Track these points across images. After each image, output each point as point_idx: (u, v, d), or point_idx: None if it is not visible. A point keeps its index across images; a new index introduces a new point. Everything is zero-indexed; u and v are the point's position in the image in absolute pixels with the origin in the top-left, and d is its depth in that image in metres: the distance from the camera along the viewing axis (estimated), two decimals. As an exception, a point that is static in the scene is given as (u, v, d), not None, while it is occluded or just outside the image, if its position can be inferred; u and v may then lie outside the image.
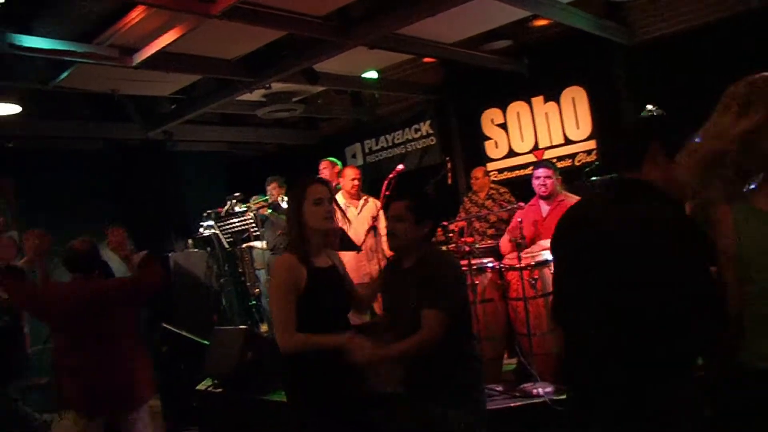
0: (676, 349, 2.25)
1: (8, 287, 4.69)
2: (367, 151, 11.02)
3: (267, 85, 8.03)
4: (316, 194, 3.31)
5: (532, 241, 5.85)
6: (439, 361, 3.31)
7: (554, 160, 8.49)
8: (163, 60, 6.53)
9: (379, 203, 6.52)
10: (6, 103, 7.38)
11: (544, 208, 6.03)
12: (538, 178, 5.98)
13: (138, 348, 4.74)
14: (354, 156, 11.11)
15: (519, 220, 5.80)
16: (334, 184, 7.28)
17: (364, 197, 7.05)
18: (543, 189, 5.94)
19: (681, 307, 2.22)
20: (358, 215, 6.89)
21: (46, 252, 4.71)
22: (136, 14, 5.56)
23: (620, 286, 2.30)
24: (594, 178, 6.48)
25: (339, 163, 7.51)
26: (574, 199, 5.95)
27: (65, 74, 6.77)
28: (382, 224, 6.94)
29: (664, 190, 2.37)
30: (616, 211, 2.42)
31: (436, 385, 3.35)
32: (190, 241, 9.46)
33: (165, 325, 6.84)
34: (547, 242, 5.66)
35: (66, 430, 4.42)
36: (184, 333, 6.80)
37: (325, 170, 7.35)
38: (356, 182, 6.96)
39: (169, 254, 9.00)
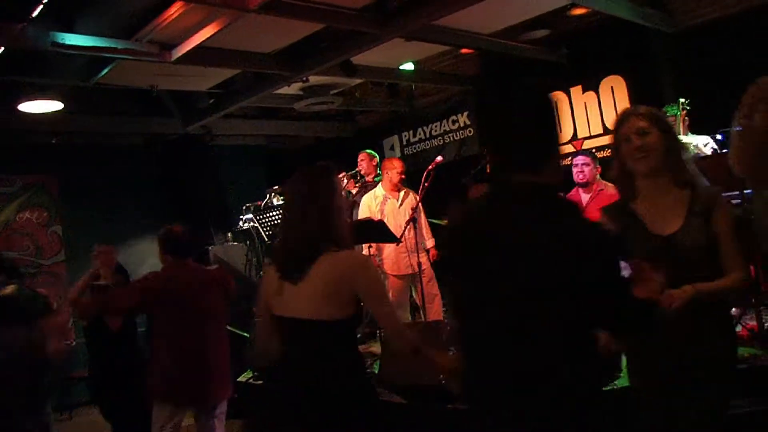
0: (577, 370, 2.02)
1: (108, 301, 4.74)
2: (404, 143, 11.00)
3: (304, 79, 8.06)
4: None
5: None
6: None
7: (593, 150, 8.42)
8: (202, 55, 6.59)
9: (418, 196, 6.52)
10: (48, 99, 7.49)
11: (584, 197, 6.00)
12: (576, 165, 5.97)
13: (227, 341, 4.83)
14: (392, 148, 11.11)
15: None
16: (372, 175, 7.29)
17: (405, 190, 7.06)
18: (581, 176, 5.92)
19: (584, 322, 2.02)
20: (399, 207, 6.90)
21: (113, 265, 4.81)
22: (175, 10, 5.60)
23: (516, 301, 2.02)
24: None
25: (376, 155, 7.52)
26: (613, 188, 5.88)
27: (106, 71, 6.86)
28: (422, 217, 6.96)
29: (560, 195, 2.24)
30: (515, 220, 2.08)
31: None
32: (229, 234, 9.53)
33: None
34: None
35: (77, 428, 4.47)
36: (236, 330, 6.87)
37: (362, 162, 7.38)
38: (402, 175, 6.97)
39: (209, 248, 9.08)
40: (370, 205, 6.99)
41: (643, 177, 2.80)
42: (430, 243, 7.14)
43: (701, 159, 5.73)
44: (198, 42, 6.10)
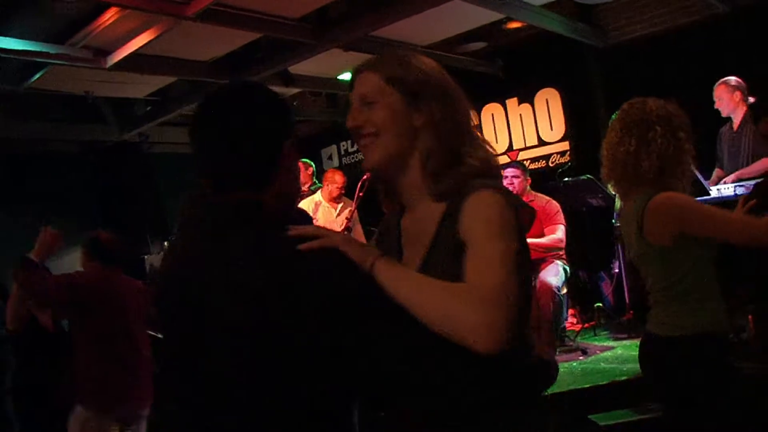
0: None
1: (30, 280, 4.49)
2: (343, 152, 11.04)
3: (242, 87, 8.04)
4: None
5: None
6: None
7: (528, 162, 8.60)
8: (138, 62, 6.55)
9: (353, 205, 6.57)
10: (-22, 105, 7.36)
11: (515, 208, 6.11)
12: (506, 177, 6.07)
13: (149, 348, 4.74)
14: (330, 158, 11.14)
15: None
16: (308, 185, 7.30)
17: (343, 202, 7.10)
18: (511, 188, 6.03)
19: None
20: (336, 217, 6.94)
21: (52, 254, 4.66)
22: (110, 16, 5.57)
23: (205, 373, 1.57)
24: (567, 179, 6.58)
25: (312, 164, 7.53)
26: (543, 199, 6.04)
27: (38, 75, 6.75)
28: (358, 226, 7.00)
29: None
30: (210, 254, 1.59)
31: None
32: (166, 243, 9.43)
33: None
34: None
35: None
36: (161, 336, 6.79)
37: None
38: (342, 189, 7.01)
39: (146, 257, 8.98)
40: (306, 210, 7.02)
41: None
42: None
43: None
44: (134, 49, 6.06)
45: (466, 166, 1.70)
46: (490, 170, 1.74)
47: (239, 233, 1.56)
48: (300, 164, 7.40)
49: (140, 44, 5.99)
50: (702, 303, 2.52)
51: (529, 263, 1.71)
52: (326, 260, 1.50)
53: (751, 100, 5.67)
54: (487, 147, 1.81)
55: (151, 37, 5.85)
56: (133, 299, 4.58)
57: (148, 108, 9.19)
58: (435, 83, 1.74)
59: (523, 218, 1.64)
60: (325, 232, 1.55)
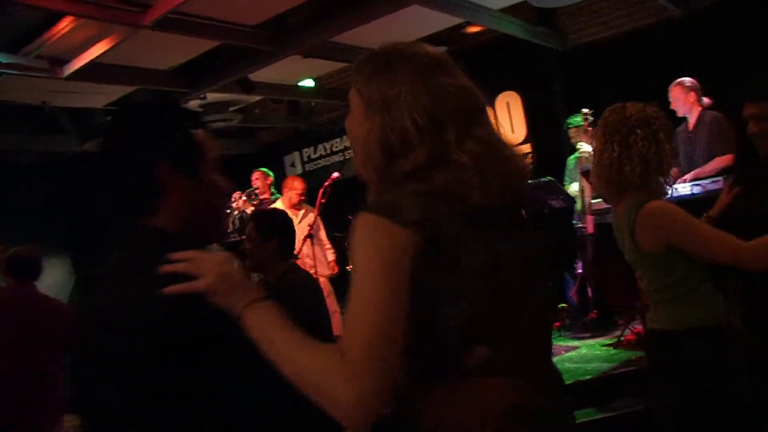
0: None
1: None
2: (305, 159, 11.00)
3: (202, 95, 8.00)
4: None
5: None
6: None
7: (490, 165, 8.63)
8: (95, 71, 6.47)
9: (315, 211, 6.56)
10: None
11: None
12: None
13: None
14: (293, 165, 11.10)
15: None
16: (267, 194, 7.28)
17: (305, 209, 7.08)
18: None
19: None
20: (298, 224, 6.91)
21: None
22: (65, 24, 5.50)
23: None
24: (528, 181, 6.62)
25: (271, 173, 7.50)
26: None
27: (-7, 86, 6.65)
28: (322, 232, 6.98)
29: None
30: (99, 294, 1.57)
31: None
32: (128, 253, 9.33)
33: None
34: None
35: None
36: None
37: (257, 180, 7.36)
38: (302, 196, 6.98)
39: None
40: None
41: None
42: (331, 256, 7.20)
43: (587, 171, 5.98)
44: (91, 58, 5.99)
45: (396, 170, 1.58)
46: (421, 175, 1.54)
47: (125, 264, 1.54)
48: (259, 174, 7.43)
49: (97, 53, 5.92)
50: (697, 302, 2.58)
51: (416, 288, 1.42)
52: (179, 305, 1.40)
53: (706, 101, 5.76)
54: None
55: (108, 46, 5.79)
56: (45, 319, 4.34)
57: (108, 118, 9.08)
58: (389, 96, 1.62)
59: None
60: (201, 270, 1.44)
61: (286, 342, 1.38)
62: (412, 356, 1.38)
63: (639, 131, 2.62)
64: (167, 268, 1.42)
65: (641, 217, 2.57)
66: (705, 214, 3.05)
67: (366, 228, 1.42)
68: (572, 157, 6.95)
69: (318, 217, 6.57)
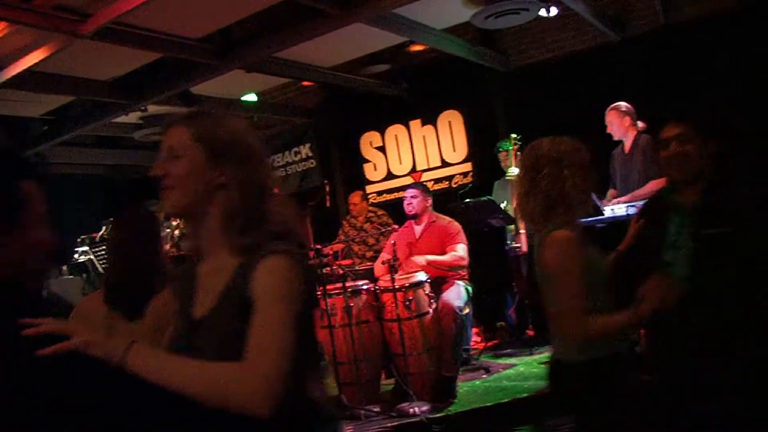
0: None
1: None
2: (248, 173, 10.92)
3: (143, 108, 7.89)
4: None
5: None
6: None
7: (431, 183, 8.72)
8: (32, 80, 6.31)
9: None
10: None
11: (417, 229, 6.17)
12: (406, 198, 6.15)
13: None
14: (235, 179, 11.00)
15: (393, 242, 5.92)
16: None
17: None
18: (410, 208, 6.09)
19: None
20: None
21: None
22: (-1, 30, 5.36)
23: None
24: (467, 200, 6.69)
25: None
26: (444, 220, 6.12)
27: None
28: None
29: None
30: None
31: None
32: (64, 267, 9.13)
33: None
34: (420, 258, 5.81)
35: None
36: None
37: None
38: None
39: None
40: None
41: None
42: None
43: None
44: (26, 66, 5.82)
45: (266, 227, 1.77)
46: (289, 232, 1.80)
47: None
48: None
49: (33, 62, 5.75)
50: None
51: (312, 320, 1.82)
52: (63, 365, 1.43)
53: (641, 124, 5.90)
54: (287, 208, 1.89)
55: (46, 54, 5.64)
56: None
57: (45, 127, 8.89)
58: (241, 145, 1.81)
59: (312, 276, 1.79)
60: (70, 328, 1.50)
61: (179, 368, 1.57)
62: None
63: (546, 169, 2.66)
64: (30, 331, 1.42)
65: (544, 244, 2.65)
66: (615, 250, 3.10)
67: (285, 269, 1.70)
68: (498, 181, 7.06)
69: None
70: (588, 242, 2.67)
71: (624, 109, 5.88)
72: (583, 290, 2.52)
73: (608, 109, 5.95)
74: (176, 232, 7.24)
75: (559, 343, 2.75)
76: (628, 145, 5.95)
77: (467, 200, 6.70)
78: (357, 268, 6.67)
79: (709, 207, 2.79)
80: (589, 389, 2.58)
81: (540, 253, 2.67)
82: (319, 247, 6.11)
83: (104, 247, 7.45)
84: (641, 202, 5.25)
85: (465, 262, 5.95)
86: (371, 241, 7.71)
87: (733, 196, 2.81)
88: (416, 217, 6.11)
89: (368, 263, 6.96)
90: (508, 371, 5.98)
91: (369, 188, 9.43)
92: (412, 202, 6.06)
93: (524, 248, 6.47)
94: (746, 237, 2.68)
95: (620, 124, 5.89)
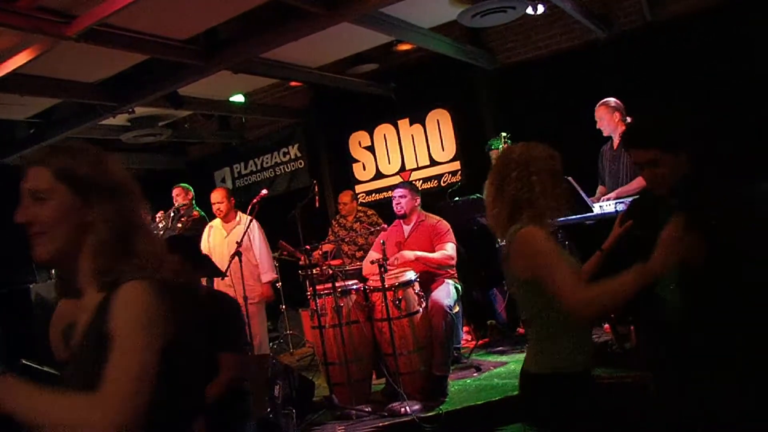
0: None
1: None
2: (236, 175, 10.94)
3: (130, 110, 7.85)
4: None
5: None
6: None
7: (420, 182, 8.72)
8: (17, 82, 6.28)
9: (245, 230, 6.44)
10: None
11: (406, 228, 6.15)
12: (394, 198, 6.14)
13: None
14: (223, 180, 11.01)
15: (382, 241, 5.90)
16: (192, 209, 7.15)
17: (237, 220, 6.89)
18: (398, 208, 6.08)
19: None
20: (226, 238, 6.76)
21: None
22: (-18, 33, 5.31)
23: None
24: (456, 199, 6.68)
25: (191, 189, 7.36)
26: (433, 219, 6.11)
27: None
28: (253, 250, 6.79)
29: None
30: None
31: None
32: (53, 271, 9.08)
33: (25, 362, 6.52)
34: (410, 254, 5.79)
35: None
36: (46, 369, 6.50)
37: (178, 197, 7.22)
38: (217, 206, 6.80)
39: (31, 286, 8.61)
40: (204, 238, 6.87)
41: None
42: (266, 277, 6.88)
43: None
44: (11, 68, 5.77)
45: (133, 261, 1.69)
46: (158, 267, 1.71)
47: None
48: (179, 189, 7.30)
49: (18, 64, 5.71)
50: (555, 339, 2.56)
51: (192, 348, 1.75)
52: None
53: (629, 121, 5.91)
54: (156, 240, 1.82)
55: (31, 56, 5.60)
56: None
57: (32, 131, 8.84)
58: (106, 179, 1.74)
59: (179, 299, 1.68)
60: None
61: (37, 400, 1.53)
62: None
63: (514, 174, 2.64)
64: None
65: (514, 243, 2.58)
66: (599, 249, 3.06)
67: (143, 295, 1.62)
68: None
69: (247, 234, 6.45)
70: (558, 243, 2.65)
71: (613, 104, 5.88)
72: (571, 265, 2.51)
73: (598, 104, 5.95)
74: (163, 234, 7.21)
75: (529, 352, 2.70)
76: (616, 141, 5.96)
77: (456, 199, 6.70)
78: (347, 268, 6.66)
79: (691, 207, 2.75)
80: (551, 402, 2.56)
81: (511, 256, 2.60)
82: (308, 247, 6.10)
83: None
84: (629, 199, 5.27)
85: (453, 261, 5.94)
86: (361, 240, 7.71)
87: (714, 193, 2.78)
88: (405, 217, 6.09)
89: (358, 263, 6.95)
90: (499, 369, 5.98)
91: (358, 188, 9.44)
92: (401, 201, 6.05)
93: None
94: (730, 232, 2.64)
95: (610, 119, 5.89)
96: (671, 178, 2.74)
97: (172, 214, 7.13)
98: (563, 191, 2.69)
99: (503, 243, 2.78)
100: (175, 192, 7.30)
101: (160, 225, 7.18)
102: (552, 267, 2.45)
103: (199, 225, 7.13)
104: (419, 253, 5.82)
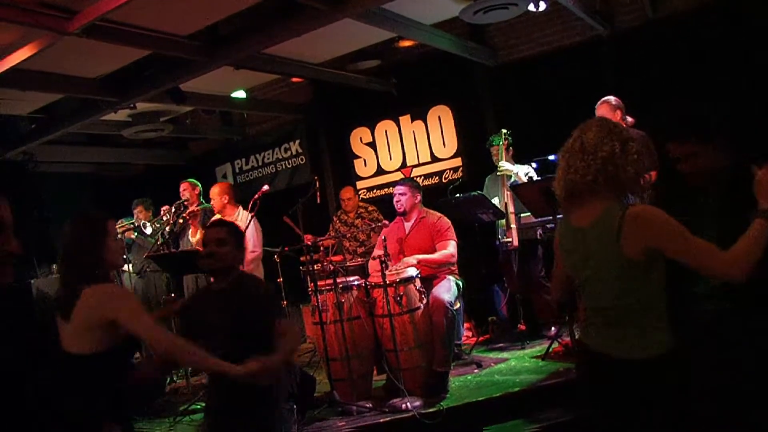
0: None
1: None
2: (237, 170, 10.92)
3: (132, 105, 7.86)
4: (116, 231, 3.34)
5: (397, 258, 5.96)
6: None
7: (421, 178, 8.72)
8: (19, 77, 6.27)
9: (244, 223, 6.44)
10: None
11: (407, 225, 6.16)
12: (395, 196, 6.15)
13: None
14: (224, 176, 10.99)
15: (383, 237, 5.91)
16: (196, 204, 7.16)
17: (235, 216, 6.89)
18: (399, 206, 6.10)
19: None
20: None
21: None
22: (-16, 28, 5.31)
23: None
24: (458, 195, 6.68)
25: (198, 184, 7.37)
26: (434, 216, 6.11)
27: None
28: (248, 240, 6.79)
29: None
30: None
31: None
32: (54, 266, 9.09)
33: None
34: (411, 259, 5.80)
35: None
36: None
37: (185, 191, 7.22)
38: (212, 202, 6.80)
39: (32, 281, 8.63)
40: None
41: None
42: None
43: (516, 186, 6.06)
44: (13, 64, 5.78)
45: None
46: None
47: None
48: (186, 185, 7.31)
49: (20, 59, 5.72)
50: (659, 321, 2.54)
51: None
52: None
53: (630, 119, 5.90)
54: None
55: (32, 51, 5.60)
56: None
57: (33, 126, 8.84)
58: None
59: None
60: None
61: None
62: None
63: (632, 144, 2.61)
64: None
65: (630, 218, 2.49)
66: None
67: None
68: (490, 176, 7.01)
69: (246, 230, 6.45)
70: None
71: (614, 103, 5.88)
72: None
73: (599, 102, 5.94)
74: (167, 228, 7.23)
75: (604, 335, 2.65)
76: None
77: (457, 195, 6.70)
78: (348, 264, 6.66)
79: (732, 195, 2.74)
80: (676, 382, 2.52)
81: (623, 235, 2.50)
82: (309, 243, 6.11)
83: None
84: (631, 197, 5.27)
85: (455, 259, 5.95)
86: (362, 236, 7.71)
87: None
88: (405, 214, 6.11)
89: (359, 259, 6.95)
90: (500, 365, 5.98)
91: (359, 184, 9.43)
92: (401, 199, 6.06)
93: (515, 243, 6.47)
94: None
95: (612, 117, 5.87)
96: (712, 170, 2.75)
97: (174, 209, 7.14)
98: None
99: (576, 218, 2.69)
100: (182, 187, 7.32)
101: (164, 218, 7.20)
102: (690, 241, 2.43)
103: (203, 219, 7.15)
104: (420, 257, 5.83)
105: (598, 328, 2.68)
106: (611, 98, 5.93)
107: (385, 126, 9.27)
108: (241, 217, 6.71)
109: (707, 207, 2.81)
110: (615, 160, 2.57)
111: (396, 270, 5.59)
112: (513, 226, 6.48)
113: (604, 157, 2.58)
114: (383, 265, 5.37)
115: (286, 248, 6.68)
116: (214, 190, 6.85)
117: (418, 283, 5.57)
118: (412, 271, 5.58)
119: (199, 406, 5.68)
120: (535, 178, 6.43)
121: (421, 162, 9.03)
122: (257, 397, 3.39)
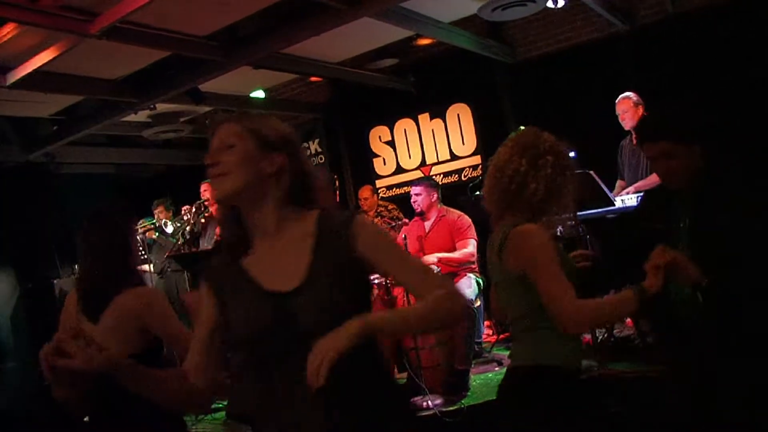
0: None
1: None
2: (257, 170, 10.94)
3: (152, 106, 7.91)
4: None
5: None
6: None
7: (441, 176, 8.71)
8: (41, 80, 6.33)
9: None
10: None
11: (427, 223, 6.17)
12: (412, 196, 6.16)
13: None
14: (244, 176, 11.01)
15: (404, 236, 5.91)
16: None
17: None
18: (416, 206, 6.13)
19: None
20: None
21: None
22: (8, 31, 5.31)
23: None
24: (478, 193, 6.66)
25: None
26: (454, 214, 6.11)
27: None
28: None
29: None
30: None
31: None
32: (76, 266, 9.17)
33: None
34: (431, 257, 5.80)
35: None
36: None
37: (205, 192, 7.28)
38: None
39: (55, 281, 8.71)
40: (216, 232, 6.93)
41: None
42: None
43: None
44: (36, 66, 5.84)
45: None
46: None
47: None
48: (207, 185, 7.37)
49: (42, 62, 5.78)
50: (546, 338, 2.51)
51: None
52: None
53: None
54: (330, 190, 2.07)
55: (54, 54, 5.66)
56: None
57: (55, 127, 8.92)
58: (286, 138, 2.00)
59: None
60: None
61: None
62: None
63: (550, 157, 2.57)
64: None
65: (512, 235, 2.51)
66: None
67: None
68: None
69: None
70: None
71: (635, 99, 5.86)
72: (568, 274, 2.45)
73: (621, 98, 5.91)
74: (188, 228, 7.27)
75: (516, 348, 2.69)
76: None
77: (477, 193, 6.68)
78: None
79: (702, 202, 2.71)
80: (536, 395, 2.49)
81: (507, 250, 2.53)
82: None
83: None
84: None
85: (474, 258, 5.95)
86: (382, 235, 7.72)
87: (726, 188, 2.73)
88: (423, 214, 6.12)
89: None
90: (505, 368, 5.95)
91: (378, 183, 9.44)
92: (417, 199, 6.08)
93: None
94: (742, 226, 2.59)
95: (633, 113, 5.85)
96: (685, 172, 2.72)
97: (195, 209, 7.19)
98: (570, 201, 2.66)
99: (495, 231, 2.67)
100: (202, 188, 7.37)
101: (185, 218, 7.25)
102: (551, 275, 2.41)
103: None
104: (440, 255, 5.83)
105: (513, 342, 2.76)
106: (631, 94, 5.91)
107: (404, 124, 9.27)
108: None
109: (682, 209, 2.79)
110: (518, 178, 2.57)
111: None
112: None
113: (510, 175, 2.59)
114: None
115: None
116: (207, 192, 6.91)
117: (438, 280, 5.55)
118: (433, 270, 5.57)
119: (221, 405, 5.70)
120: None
121: (440, 160, 9.02)
122: None
